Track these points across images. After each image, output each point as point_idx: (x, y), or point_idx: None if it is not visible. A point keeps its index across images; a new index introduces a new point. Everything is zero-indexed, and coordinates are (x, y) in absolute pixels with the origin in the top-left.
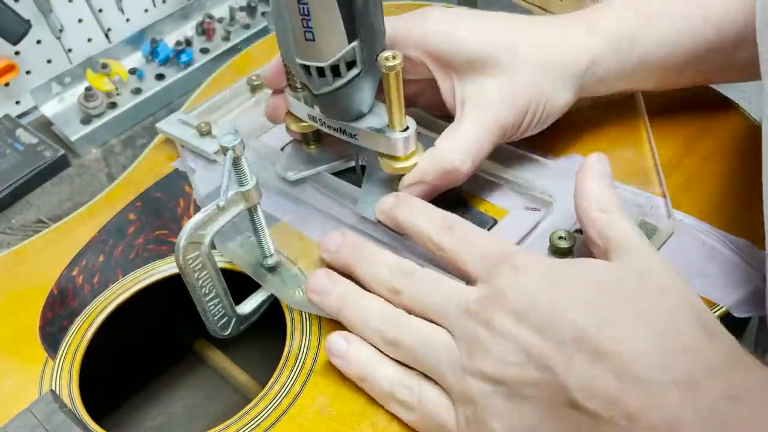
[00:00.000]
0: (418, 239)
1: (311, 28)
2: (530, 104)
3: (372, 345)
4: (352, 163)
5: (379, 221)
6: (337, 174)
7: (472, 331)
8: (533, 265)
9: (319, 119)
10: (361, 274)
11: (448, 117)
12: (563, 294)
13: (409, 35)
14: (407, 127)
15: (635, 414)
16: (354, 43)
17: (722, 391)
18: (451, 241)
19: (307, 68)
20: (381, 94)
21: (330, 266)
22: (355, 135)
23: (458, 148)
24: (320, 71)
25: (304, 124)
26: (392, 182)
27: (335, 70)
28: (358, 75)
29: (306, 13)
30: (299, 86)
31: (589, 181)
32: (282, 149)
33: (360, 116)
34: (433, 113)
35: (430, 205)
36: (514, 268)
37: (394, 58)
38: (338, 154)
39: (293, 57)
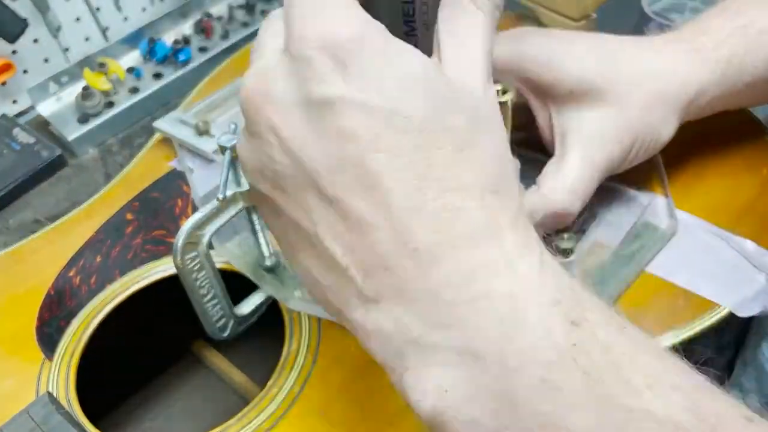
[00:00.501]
0: None
1: None
2: (637, 139)
3: None
4: None
5: None
6: None
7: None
8: (319, 37)
9: None
10: None
11: (533, 146)
12: (347, 102)
13: (504, 61)
14: None
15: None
16: None
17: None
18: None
19: None
20: None
21: None
22: None
23: (567, 188)
24: None
25: None
26: None
27: None
28: None
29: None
30: None
31: None
32: None
33: None
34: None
35: None
36: (294, 40)
37: (505, 92)
38: None
39: None
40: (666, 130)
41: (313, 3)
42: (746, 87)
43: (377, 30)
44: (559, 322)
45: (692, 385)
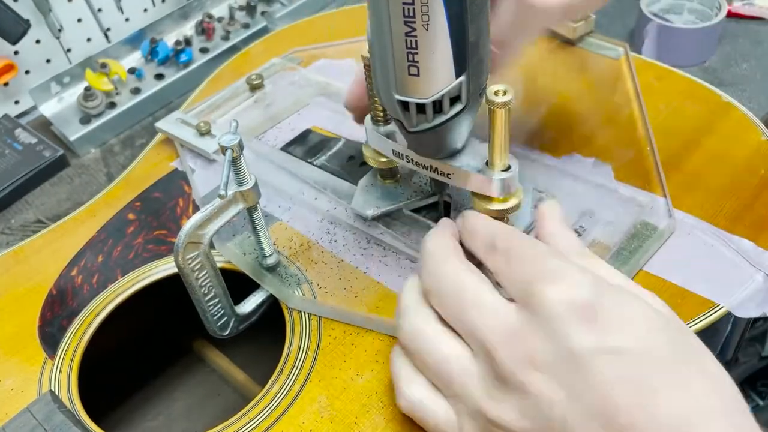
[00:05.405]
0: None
1: (417, 62)
2: None
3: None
4: (431, 200)
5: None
6: (416, 210)
7: (493, 371)
8: (563, 299)
9: (406, 156)
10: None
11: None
12: (600, 352)
13: None
14: (509, 167)
15: None
16: (461, 78)
17: None
18: (493, 260)
19: (405, 104)
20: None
21: None
22: (448, 174)
23: None
24: (420, 107)
25: (383, 159)
26: None
27: (437, 107)
28: (461, 111)
29: (413, 46)
30: (381, 118)
31: (552, 226)
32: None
33: (454, 153)
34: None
35: (485, 219)
36: (539, 305)
37: (504, 93)
38: (417, 189)
39: (391, 92)
40: None
41: (547, 270)
42: None
43: (607, 286)
44: None
45: None
